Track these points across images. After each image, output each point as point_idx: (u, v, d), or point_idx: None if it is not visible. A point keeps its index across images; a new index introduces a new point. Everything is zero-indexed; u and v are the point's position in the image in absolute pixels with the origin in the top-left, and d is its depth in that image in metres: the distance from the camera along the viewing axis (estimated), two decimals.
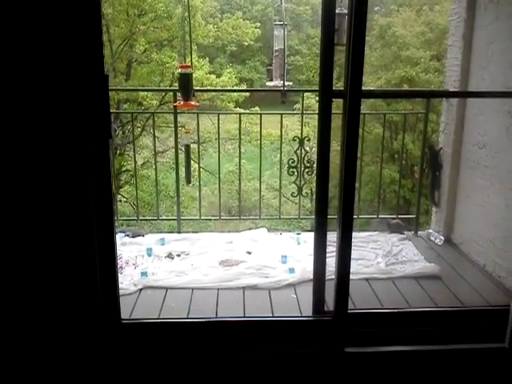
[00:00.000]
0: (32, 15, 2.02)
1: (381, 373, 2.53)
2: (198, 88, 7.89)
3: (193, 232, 4.30)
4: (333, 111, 2.35)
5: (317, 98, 2.46)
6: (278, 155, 5.56)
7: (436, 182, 4.00)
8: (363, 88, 2.30)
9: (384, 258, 3.61)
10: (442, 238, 3.92)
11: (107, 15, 10.24)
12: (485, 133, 3.47)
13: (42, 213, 2.23)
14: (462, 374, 2.54)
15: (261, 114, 4.77)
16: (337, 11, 2.27)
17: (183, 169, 4.25)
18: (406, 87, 11.94)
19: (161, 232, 4.73)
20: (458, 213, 3.87)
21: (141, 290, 3.17)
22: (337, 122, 2.36)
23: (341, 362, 2.49)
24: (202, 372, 2.50)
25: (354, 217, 2.47)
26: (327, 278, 2.54)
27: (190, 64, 3.82)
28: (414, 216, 4.30)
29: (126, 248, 3.75)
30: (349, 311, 2.48)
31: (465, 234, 3.77)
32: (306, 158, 3.96)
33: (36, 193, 2.20)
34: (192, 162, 4.79)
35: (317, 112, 2.42)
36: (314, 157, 3.39)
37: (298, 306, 2.96)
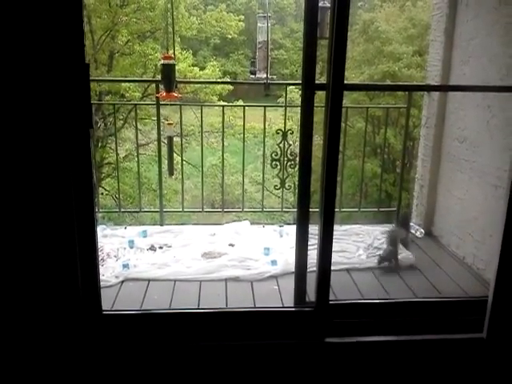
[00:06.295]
0: (11, 2, 1.98)
1: (361, 363, 2.56)
2: (180, 79, 7.85)
3: (175, 224, 4.28)
4: (316, 105, 2.36)
5: (300, 92, 2.47)
6: (262, 149, 5.57)
7: None
8: (346, 82, 2.32)
9: (365, 251, 3.65)
10: (422, 230, 3.97)
11: (89, 6, 10.07)
12: (465, 127, 3.52)
13: (21, 204, 2.20)
14: (441, 363, 2.58)
15: (244, 107, 4.76)
16: (320, 5, 2.28)
17: (166, 161, 4.23)
18: (388, 82, 12.01)
19: (143, 225, 4.71)
20: (439, 206, 3.93)
21: (122, 282, 3.16)
22: (320, 117, 2.38)
23: (321, 352, 2.52)
24: (184, 363, 2.51)
25: (336, 210, 2.48)
26: (309, 269, 2.55)
27: (172, 55, 3.79)
28: (395, 209, 4.35)
29: (108, 240, 3.72)
30: (330, 302, 2.51)
31: (445, 227, 3.82)
32: (288, 151, 3.97)
33: (14, 184, 2.17)
34: (175, 156, 4.76)
35: (300, 105, 2.43)
36: (297, 150, 3.40)
37: (280, 298, 2.98)
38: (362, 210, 4.57)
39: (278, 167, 4.00)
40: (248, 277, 3.24)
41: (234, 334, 2.50)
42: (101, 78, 10.16)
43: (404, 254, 3.53)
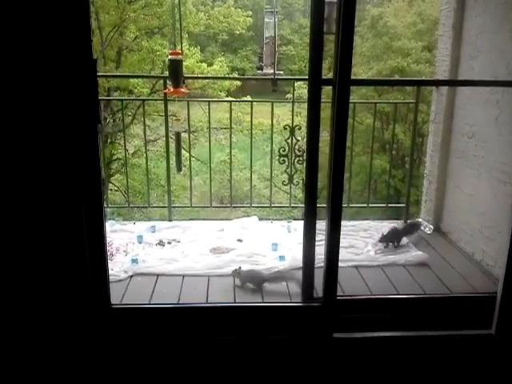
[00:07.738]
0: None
1: (368, 358, 2.56)
2: (188, 75, 7.85)
3: (184, 220, 4.30)
4: (323, 100, 2.36)
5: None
6: (270, 145, 5.58)
7: None
8: (353, 77, 2.31)
9: (374, 247, 3.65)
10: (431, 226, 3.96)
11: (96, 2, 10.12)
12: (474, 122, 3.50)
13: (30, 200, 2.22)
14: (450, 360, 2.58)
15: (251, 103, 4.76)
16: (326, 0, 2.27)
17: (174, 157, 4.23)
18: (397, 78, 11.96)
19: (152, 220, 4.73)
20: (447, 202, 3.91)
21: (131, 276, 3.18)
22: (328, 112, 2.37)
23: (329, 347, 2.52)
24: (192, 357, 2.52)
25: (345, 205, 2.48)
26: (317, 265, 2.56)
27: (180, 51, 3.80)
28: (404, 205, 4.33)
29: (117, 235, 3.74)
30: (338, 297, 2.51)
31: (454, 223, 3.80)
32: (296, 147, 3.97)
33: (23, 180, 2.19)
34: (183, 152, 4.77)
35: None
36: (305, 146, 3.40)
37: (287, 293, 2.98)
38: (370, 205, 4.56)
39: (286, 163, 4.00)
40: None
41: (242, 329, 2.51)
42: (109, 74, 10.19)
43: (417, 253, 3.52)
